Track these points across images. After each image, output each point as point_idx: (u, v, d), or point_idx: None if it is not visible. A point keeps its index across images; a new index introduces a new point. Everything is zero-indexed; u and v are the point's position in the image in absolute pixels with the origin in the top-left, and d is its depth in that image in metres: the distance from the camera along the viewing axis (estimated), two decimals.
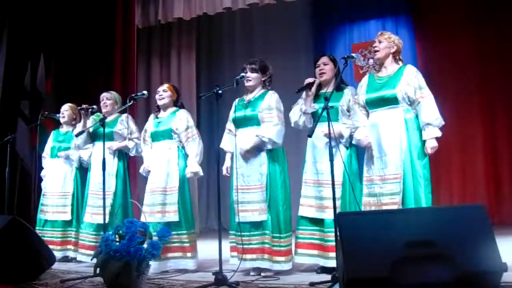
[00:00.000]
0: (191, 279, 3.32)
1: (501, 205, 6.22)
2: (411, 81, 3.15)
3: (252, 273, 3.40)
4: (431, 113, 3.09)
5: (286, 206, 3.45)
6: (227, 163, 3.61)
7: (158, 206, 3.73)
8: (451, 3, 6.46)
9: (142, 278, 2.81)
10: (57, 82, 6.70)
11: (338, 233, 2.35)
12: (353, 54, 3.18)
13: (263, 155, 3.46)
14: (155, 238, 2.94)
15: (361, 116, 3.31)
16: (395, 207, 3.02)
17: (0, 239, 3.21)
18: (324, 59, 3.60)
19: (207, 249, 4.10)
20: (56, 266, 3.72)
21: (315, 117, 3.50)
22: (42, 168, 4.77)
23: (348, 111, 3.43)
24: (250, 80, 3.57)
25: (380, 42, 3.29)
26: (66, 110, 4.73)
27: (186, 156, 3.87)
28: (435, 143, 3.07)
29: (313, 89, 3.50)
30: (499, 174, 6.35)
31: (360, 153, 3.52)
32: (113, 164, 4.16)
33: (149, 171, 3.89)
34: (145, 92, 3.99)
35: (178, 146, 3.86)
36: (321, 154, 3.42)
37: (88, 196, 4.25)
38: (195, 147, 3.84)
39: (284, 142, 3.53)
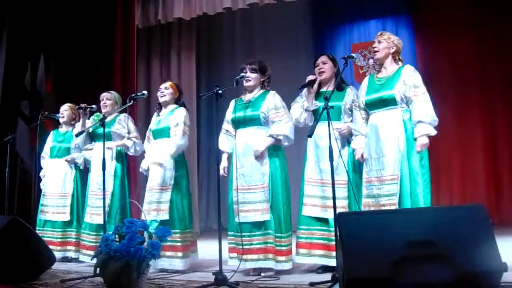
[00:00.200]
0: (191, 279, 3.32)
1: (501, 205, 6.23)
2: (408, 80, 3.14)
3: (252, 273, 3.40)
4: (422, 111, 3.06)
5: (287, 205, 3.47)
6: (224, 163, 3.60)
7: (154, 204, 3.75)
8: (451, 3, 6.46)
9: (142, 278, 2.80)
10: (57, 82, 6.70)
11: (338, 233, 2.35)
12: (353, 54, 3.19)
13: (265, 155, 3.46)
14: (154, 238, 2.94)
15: (360, 123, 3.31)
16: (392, 208, 3.01)
17: (0, 239, 3.21)
18: (323, 58, 3.60)
19: (207, 249, 4.10)
20: (56, 266, 3.72)
21: (315, 116, 3.51)
22: (41, 168, 4.77)
23: (351, 110, 3.44)
24: (249, 80, 3.58)
25: (379, 42, 3.28)
26: (65, 110, 4.73)
27: (181, 153, 3.85)
28: (425, 141, 3.04)
29: (315, 86, 3.51)
30: (499, 174, 6.35)
31: None
32: (111, 164, 4.15)
33: (146, 170, 3.89)
34: (145, 92, 4.00)
35: None
36: (324, 154, 3.41)
37: (88, 196, 4.25)
38: (174, 140, 3.78)
39: None
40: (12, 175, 4.82)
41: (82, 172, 4.52)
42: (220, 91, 3.18)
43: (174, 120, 3.84)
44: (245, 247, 3.38)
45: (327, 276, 2.98)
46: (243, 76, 3.53)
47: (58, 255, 4.34)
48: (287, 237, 3.42)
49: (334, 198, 2.82)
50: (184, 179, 3.83)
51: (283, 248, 3.38)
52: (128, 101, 3.85)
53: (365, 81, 3.37)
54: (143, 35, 7.12)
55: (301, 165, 3.62)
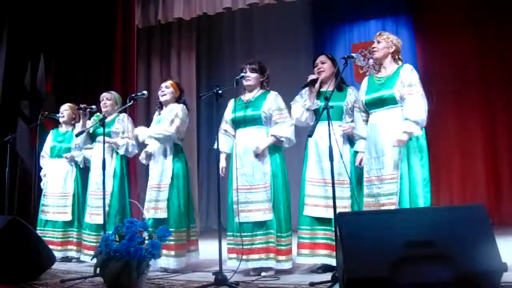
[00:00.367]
0: (191, 279, 3.32)
1: (501, 205, 6.22)
2: (404, 79, 3.13)
3: (252, 273, 3.40)
4: (411, 109, 3.04)
5: (287, 205, 3.48)
6: (222, 163, 3.59)
7: (152, 202, 3.77)
8: (451, 3, 6.46)
9: (142, 278, 2.80)
10: (57, 82, 6.70)
11: (338, 233, 2.35)
12: (353, 54, 3.19)
13: (266, 154, 3.47)
14: (154, 237, 2.94)
15: (361, 125, 3.31)
16: (393, 207, 3.01)
17: (0, 239, 3.21)
18: (322, 57, 3.61)
19: (207, 249, 4.09)
20: (56, 266, 3.72)
21: (316, 116, 3.51)
22: (41, 168, 4.77)
23: (352, 110, 3.44)
24: (249, 80, 3.58)
25: (378, 42, 3.29)
26: (65, 110, 4.73)
27: (179, 152, 3.86)
28: (404, 138, 3.01)
29: (317, 85, 3.51)
30: (499, 174, 6.35)
31: None
32: (111, 164, 4.16)
33: (146, 157, 3.88)
34: (145, 92, 3.99)
35: (174, 143, 3.85)
36: (325, 153, 3.40)
37: (88, 196, 4.26)
38: (164, 128, 3.78)
39: None
40: (12, 175, 4.82)
41: (83, 172, 4.52)
42: (220, 91, 3.18)
43: (169, 114, 3.84)
44: (246, 247, 3.38)
45: (327, 276, 2.97)
46: (243, 76, 3.54)
47: (59, 255, 4.36)
48: (287, 236, 3.42)
49: (334, 198, 2.82)
50: (182, 177, 3.82)
51: (283, 247, 3.39)
52: (128, 101, 3.85)
53: (365, 82, 3.37)
54: (143, 35, 7.12)
55: (300, 165, 3.61)
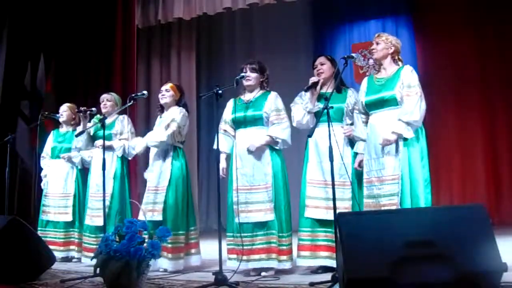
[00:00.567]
0: (191, 279, 3.32)
1: (501, 205, 6.23)
2: (404, 80, 3.14)
3: (252, 273, 3.40)
4: (406, 110, 3.04)
5: (288, 205, 3.48)
6: (222, 164, 3.59)
7: (150, 204, 3.77)
8: (451, 3, 6.47)
9: (142, 278, 2.80)
10: (57, 82, 6.71)
11: (338, 233, 2.35)
12: (353, 54, 3.19)
13: (267, 155, 3.47)
14: (154, 238, 2.94)
15: (360, 128, 3.30)
16: (393, 208, 3.00)
17: (0, 239, 3.21)
18: (321, 59, 3.61)
19: (207, 249, 4.09)
20: (56, 266, 3.72)
21: (317, 117, 3.50)
22: (41, 169, 4.77)
23: (352, 112, 3.44)
24: (250, 80, 3.58)
25: (377, 43, 3.28)
26: (64, 110, 4.72)
27: (180, 155, 3.85)
28: (391, 137, 3.01)
29: (318, 88, 3.51)
30: (499, 174, 6.36)
31: None
32: (111, 165, 4.16)
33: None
34: (145, 92, 3.98)
35: (172, 146, 3.84)
36: (326, 154, 3.40)
37: (88, 198, 4.26)
38: (160, 133, 3.79)
39: None
40: (12, 175, 4.82)
41: (83, 172, 4.52)
42: (220, 91, 3.18)
43: (168, 118, 3.84)
44: (246, 247, 3.37)
45: (327, 276, 2.97)
46: (243, 76, 3.54)
47: (61, 255, 4.38)
48: (288, 236, 3.43)
49: (334, 199, 2.82)
50: (181, 180, 3.80)
51: (284, 247, 3.40)
52: (128, 101, 3.84)
53: (364, 82, 3.36)
54: (143, 35, 7.12)
55: (300, 165, 3.61)
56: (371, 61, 6.89)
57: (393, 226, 2.21)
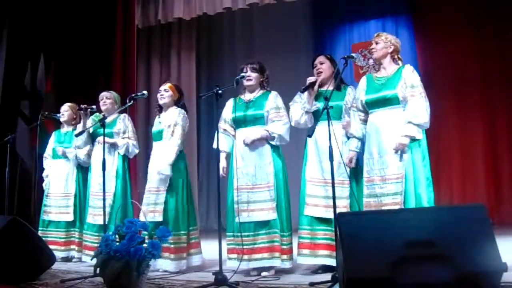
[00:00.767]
0: (191, 279, 3.32)
1: (501, 205, 6.22)
2: (406, 80, 3.14)
3: (252, 273, 3.40)
4: (414, 111, 3.05)
5: (288, 204, 3.49)
6: (223, 163, 3.59)
7: (151, 205, 3.77)
8: (451, 3, 6.47)
9: (142, 278, 2.80)
10: (57, 82, 6.70)
11: (338, 233, 2.35)
12: (353, 54, 3.19)
13: (269, 154, 3.48)
14: (154, 238, 2.94)
15: (356, 125, 3.30)
16: (396, 207, 3.00)
17: (0, 239, 3.21)
18: (321, 58, 3.61)
19: (207, 249, 4.09)
20: (56, 266, 3.72)
21: (316, 116, 3.51)
22: (43, 169, 4.78)
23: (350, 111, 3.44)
24: (250, 80, 3.59)
25: (377, 43, 3.29)
26: (66, 110, 4.73)
27: (179, 155, 3.83)
28: (405, 141, 3.01)
29: (316, 87, 3.51)
30: (499, 174, 6.35)
31: (360, 154, 3.52)
32: (113, 164, 4.16)
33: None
34: (145, 92, 3.98)
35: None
36: (325, 153, 3.41)
37: (89, 197, 4.26)
38: (170, 146, 3.77)
39: None
40: (12, 175, 4.82)
41: (84, 172, 4.51)
42: (220, 91, 3.18)
43: (168, 121, 3.83)
44: (248, 246, 3.38)
45: (327, 276, 2.98)
46: (243, 76, 3.54)
47: (62, 255, 4.40)
48: (288, 236, 3.44)
49: (334, 198, 2.82)
50: (181, 180, 3.81)
51: (285, 246, 3.41)
52: (128, 101, 3.84)
53: (363, 81, 3.36)
54: (143, 35, 7.12)
55: (299, 164, 3.61)
56: (371, 61, 6.89)
57: (393, 226, 2.21)
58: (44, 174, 4.75)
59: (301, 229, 3.46)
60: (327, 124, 2.95)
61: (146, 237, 2.95)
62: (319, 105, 3.48)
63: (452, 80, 6.51)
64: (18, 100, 6.48)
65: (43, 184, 4.72)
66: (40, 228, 4.53)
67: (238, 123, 3.59)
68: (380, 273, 2.06)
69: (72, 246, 4.45)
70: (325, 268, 3.37)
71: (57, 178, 4.58)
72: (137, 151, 4.27)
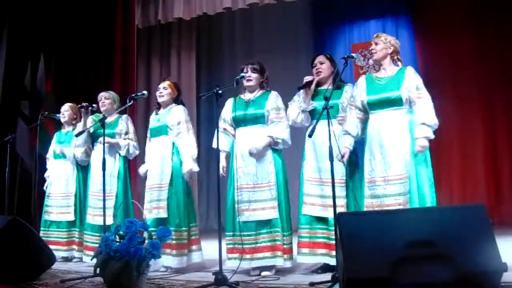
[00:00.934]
0: (191, 279, 3.32)
1: (501, 205, 6.23)
2: (412, 82, 3.15)
3: (252, 273, 3.40)
4: (426, 113, 3.06)
5: (288, 204, 3.50)
6: (222, 162, 3.58)
7: (154, 202, 3.78)
8: (451, 3, 6.47)
9: (142, 278, 2.80)
10: (57, 82, 6.70)
11: (338, 233, 2.35)
12: (353, 54, 3.19)
13: (269, 153, 3.48)
14: (154, 237, 2.94)
15: (352, 123, 3.29)
16: (399, 208, 3.00)
17: (0, 239, 3.21)
18: (320, 58, 3.61)
19: (207, 249, 4.09)
20: (56, 266, 3.72)
21: (313, 115, 3.51)
22: (46, 170, 4.79)
23: (346, 112, 3.43)
24: (251, 80, 3.59)
25: (376, 44, 3.29)
26: (66, 110, 4.73)
27: (178, 152, 3.85)
28: (425, 143, 3.03)
29: (312, 87, 3.51)
30: (499, 174, 6.35)
31: (360, 154, 3.52)
32: (114, 165, 4.17)
33: (145, 172, 3.92)
34: (145, 92, 3.99)
35: (173, 142, 3.86)
36: (322, 153, 3.42)
37: (89, 197, 4.26)
38: (185, 142, 3.81)
39: None
40: (12, 175, 4.82)
41: (84, 172, 4.51)
42: (220, 91, 3.18)
43: (173, 118, 3.85)
44: (250, 246, 3.38)
45: (327, 276, 2.97)
46: (243, 76, 3.54)
47: (64, 255, 4.41)
48: (288, 235, 3.44)
49: (334, 198, 2.81)
50: (181, 177, 3.81)
51: (285, 246, 3.41)
52: (128, 101, 3.84)
53: (363, 81, 3.34)
54: (143, 35, 7.12)
55: (299, 164, 3.61)
56: (371, 61, 6.89)
57: (393, 226, 2.21)
58: (46, 175, 4.76)
59: (301, 228, 3.47)
60: (326, 124, 2.95)
61: (147, 234, 2.94)
62: (316, 104, 3.49)
63: (452, 80, 6.51)
64: (18, 100, 6.47)
65: (45, 185, 4.72)
66: (42, 229, 4.54)
67: (238, 122, 3.59)
68: (380, 273, 2.06)
69: (73, 246, 4.45)
70: (324, 268, 3.37)
71: (57, 178, 4.59)
72: (137, 152, 4.28)
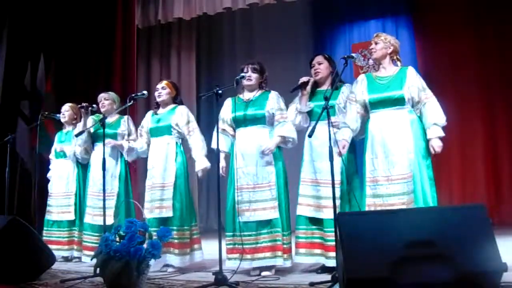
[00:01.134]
0: (191, 279, 3.32)
1: (501, 205, 6.22)
2: (415, 82, 3.17)
3: (252, 273, 3.40)
4: (437, 113, 3.12)
5: (287, 204, 3.50)
6: (222, 163, 3.57)
7: (157, 201, 3.78)
8: (451, 3, 6.46)
9: (142, 278, 2.80)
10: (57, 82, 6.70)
11: (338, 233, 2.35)
12: (353, 54, 3.19)
13: (270, 154, 3.47)
14: (155, 237, 2.94)
15: (352, 116, 3.28)
16: (403, 207, 3.00)
17: (0, 239, 3.21)
18: (319, 58, 3.61)
19: (207, 249, 4.09)
20: (56, 266, 3.72)
21: (311, 116, 3.51)
22: (48, 170, 4.79)
23: (345, 108, 3.43)
24: (251, 80, 3.59)
25: (376, 43, 3.30)
26: (66, 110, 4.73)
27: (183, 151, 3.89)
28: (440, 143, 3.09)
29: (308, 88, 3.51)
30: (499, 174, 6.35)
31: (358, 155, 3.52)
32: (116, 165, 4.17)
33: (129, 147, 3.95)
34: (145, 92, 4.00)
35: (176, 142, 3.89)
36: (318, 153, 3.42)
37: (88, 197, 4.25)
38: (197, 141, 3.89)
39: None
40: (12, 175, 4.82)
41: (84, 171, 4.51)
42: (220, 91, 3.18)
43: (180, 118, 3.88)
44: (250, 246, 3.38)
45: (327, 276, 2.98)
46: (243, 76, 3.54)
47: (65, 254, 4.40)
48: (288, 235, 3.45)
49: (334, 199, 2.81)
50: (183, 177, 3.84)
51: (285, 245, 3.42)
52: (128, 101, 3.85)
53: (363, 79, 3.34)
54: (143, 35, 7.12)
55: (300, 165, 3.61)
56: (371, 61, 6.88)
57: (393, 226, 2.21)
58: (48, 175, 4.77)
59: (298, 229, 3.48)
60: (324, 124, 2.96)
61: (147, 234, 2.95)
62: (313, 105, 3.49)
63: (452, 80, 6.50)
64: (18, 100, 6.47)
65: (49, 185, 4.72)
66: (45, 229, 4.55)
67: (238, 122, 3.59)
68: (380, 273, 2.06)
69: (74, 246, 4.45)
70: (324, 268, 3.37)
71: (58, 177, 4.60)
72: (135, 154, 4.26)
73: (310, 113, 3.54)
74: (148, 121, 4.03)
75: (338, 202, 3.28)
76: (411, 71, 3.21)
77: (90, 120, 4.33)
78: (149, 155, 3.97)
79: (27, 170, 6.20)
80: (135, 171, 5.77)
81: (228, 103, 3.68)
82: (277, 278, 3.24)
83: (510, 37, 6.18)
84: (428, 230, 2.17)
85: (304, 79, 3.51)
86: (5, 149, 4.61)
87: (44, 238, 4.36)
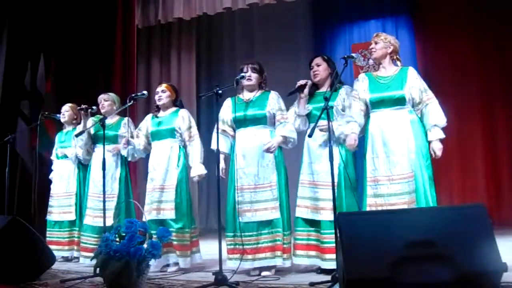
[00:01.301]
0: (191, 279, 3.32)
1: (501, 205, 6.22)
2: (416, 83, 3.19)
3: (252, 273, 3.40)
4: (438, 115, 3.15)
5: (288, 204, 3.50)
6: (222, 164, 3.55)
7: (155, 203, 3.78)
8: (451, 3, 6.46)
9: (142, 278, 2.80)
10: (57, 82, 6.69)
11: (337, 234, 2.35)
12: (353, 54, 3.19)
13: (271, 154, 3.48)
14: (154, 238, 2.94)
15: (357, 112, 3.28)
16: (404, 207, 3.01)
17: (0, 239, 3.21)
18: (317, 60, 3.60)
19: (207, 249, 4.10)
20: (56, 266, 3.72)
21: (310, 118, 3.51)
22: (49, 170, 4.79)
23: (343, 110, 3.43)
24: (251, 80, 3.59)
25: (376, 43, 3.30)
26: (66, 110, 4.74)
27: (186, 154, 3.91)
28: (441, 145, 3.11)
29: (306, 91, 3.50)
30: (499, 174, 6.34)
31: (358, 155, 3.52)
32: (117, 167, 4.18)
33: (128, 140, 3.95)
34: (145, 92, 4.00)
35: (179, 145, 3.90)
36: (316, 155, 3.43)
37: (89, 198, 4.25)
38: (197, 147, 3.89)
39: None
40: (12, 175, 4.82)
41: (85, 171, 4.50)
42: (220, 91, 3.18)
43: (183, 123, 3.89)
44: (251, 246, 3.38)
45: (327, 276, 2.98)
46: (243, 76, 3.54)
47: (66, 254, 4.40)
48: (288, 235, 3.45)
49: (334, 200, 2.81)
50: (185, 180, 3.85)
51: (285, 245, 3.42)
52: (128, 101, 3.85)
53: (364, 79, 3.34)
54: (143, 35, 7.12)
55: (299, 165, 3.61)
56: (371, 61, 6.88)
57: (393, 226, 2.21)
58: (50, 176, 4.77)
59: (296, 230, 3.48)
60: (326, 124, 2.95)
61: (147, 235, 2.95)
62: (311, 107, 3.49)
63: (452, 80, 6.49)
64: (18, 100, 6.47)
65: (51, 186, 4.72)
66: (47, 229, 4.56)
67: (238, 123, 3.59)
68: (380, 274, 2.06)
69: (74, 246, 4.45)
70: (323, 269, 3.36)
71: (59, 178, 4.61)
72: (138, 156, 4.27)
73: (309, 116, 3.53)
74: (148, 124, 4.02)
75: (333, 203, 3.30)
76: (411, 72, 3.22)
77: (90, 122, 4.32)
78: (150, 158, 3.96)
79: (27, 170, 6.19)
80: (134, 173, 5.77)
81: (228, 103, 3.67)
82: (277, 278, 3.24)
83: (510, 37, 6.18)
84: (428, 230, 2.17)
85: (301, 82, 3.51)
86: (5, 149, 4.60)
87: (46, 239, 4.37)
